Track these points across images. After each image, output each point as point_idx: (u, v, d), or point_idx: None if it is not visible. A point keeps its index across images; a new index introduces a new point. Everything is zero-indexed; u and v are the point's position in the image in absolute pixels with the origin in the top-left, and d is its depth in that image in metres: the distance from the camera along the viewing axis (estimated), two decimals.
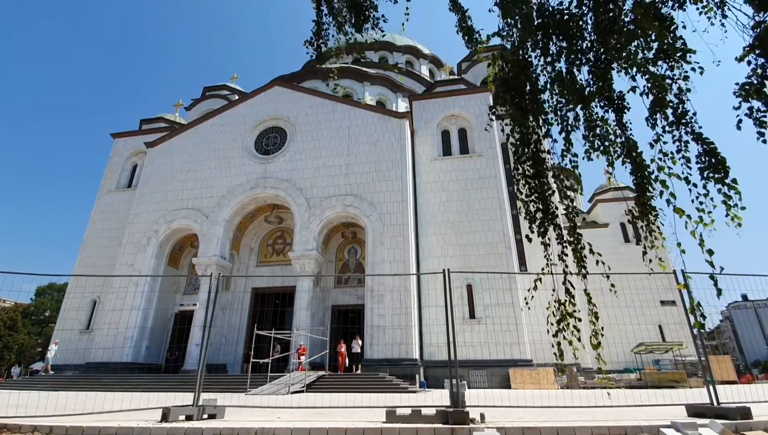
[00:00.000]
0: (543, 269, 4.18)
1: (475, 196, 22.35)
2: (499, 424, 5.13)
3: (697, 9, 3.47)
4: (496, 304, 19.57)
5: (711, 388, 6.10)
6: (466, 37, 4.73)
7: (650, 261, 3.80)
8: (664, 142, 3.48)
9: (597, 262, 4.09)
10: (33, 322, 54.15)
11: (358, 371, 18.21)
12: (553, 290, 4.19)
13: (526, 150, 4.23)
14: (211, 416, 6.16)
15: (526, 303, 4.56)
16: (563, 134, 4.00)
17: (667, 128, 3.47)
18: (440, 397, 10.66)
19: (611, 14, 3.60)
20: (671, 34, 3.37)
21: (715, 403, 5.99)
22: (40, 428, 5.24)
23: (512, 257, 20.89)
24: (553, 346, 4.05)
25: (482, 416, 5.37)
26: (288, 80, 32.85)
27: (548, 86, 4.03)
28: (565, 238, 4.18)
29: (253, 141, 25.11)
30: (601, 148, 3.89)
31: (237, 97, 31.01)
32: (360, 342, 18.92)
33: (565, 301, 4.08)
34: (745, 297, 63.91)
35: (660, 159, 3.46)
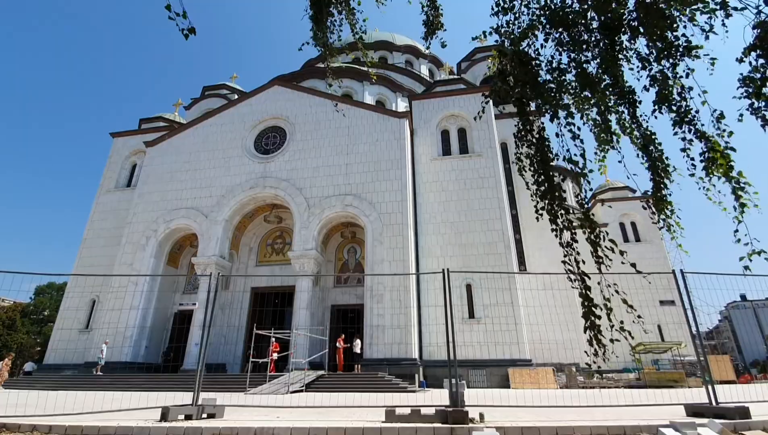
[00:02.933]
0: (564, 259, 4.02)
1: (474, 195, 22.36)
2: (499, 423, 5.14)
3: (697, 9, 3.47)
4: (496, 303, 19.58)
5: (710, 387, 6.11)
6: (427, 29, 4.69)
7: (679, 247, 3.71)
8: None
9: (612, 249, 3.89)
10: (32, 322, 54.05)
11: (358, 371, 18.21)
12: (584, 283, 4.04)
13: (530, 136, 4.18)
14: (211, 416, 6.16)
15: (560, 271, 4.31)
16: (566, 127, 3.94)
17: (673, 127, 3.46)
18: (439, 397, 10.67)
19: (614, 13, 3.59)
20: (674, 33, 3.37)
21: (714, 403, 6.00)
22: (39, 427, 5.24)
23: (511, 257, 20.90)
24: (589, 342, 3.79)
25: (481, 416, 5.37)
26: (288, 80, 32.80)
27: (556, 78, 3.98)
28: (575, 225, 4.07)
29: (253, 140, 25.10)
30: (609, 142, 3.81)
31: (236, 97, 30.97)
32: (359, 342, 18.92)
33: (584, 293, 3.91)
34: (743, 297, 63.94)
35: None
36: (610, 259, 3.95)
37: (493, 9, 4.16)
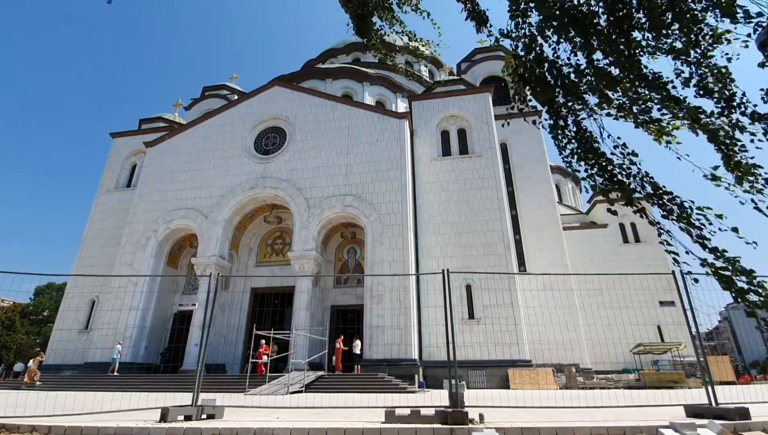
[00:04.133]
0: (661, 234, 3.51)
1: (474, 196, 22.36)
2: (498, 424, 5.14)
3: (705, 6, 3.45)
4: (495, 304, 19.58)
5: (709, 388, 6.11)
6: (476, 22, 4.60)
7: None
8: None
9: (705, 215, 3.19)
10: (31, 322, 54.00)
11: (358, 371, 18.19)
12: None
13: (566, 132, 4.05)
14: (210, 416, 6.16)
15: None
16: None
17: (722, 113, 3.32)
18: (439, 398, 10.66)
19: (624, 12, 3.56)
20: (697, 26, 3.33)
21: (714, 404, 6.00)
22: (38, 428, 5.24)
23: (511, 257, 20.89)
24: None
25: (481, 416, 5.37)
26: (288, 80, 32.82)
27: (573, 78, 3.89)
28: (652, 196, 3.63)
29: (253, 141, 25.10)
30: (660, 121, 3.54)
31: (236, 97, 30.99)
32: (359, 343, 18.91)
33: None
34: None
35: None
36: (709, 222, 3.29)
37: (510, 11, 4.13)
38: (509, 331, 19.07)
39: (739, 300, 2.90)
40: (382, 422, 5.31)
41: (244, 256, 24.87)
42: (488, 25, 4.55)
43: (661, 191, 3.53)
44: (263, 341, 17.21)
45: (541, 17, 3.93)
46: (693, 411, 6.11)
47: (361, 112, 24.31)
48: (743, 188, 3.26)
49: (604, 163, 3.82)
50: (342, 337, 19.20)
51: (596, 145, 3.88)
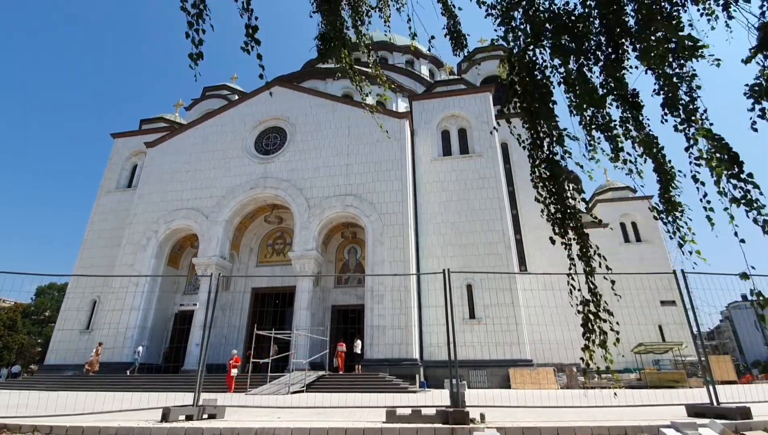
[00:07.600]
0: (570, 268, 4.06)
1: (474, 196, 22.35)
2: (499, 424, 5.14)
3: (698, 10, 3.47)
4: (496, 304, 19.58)
5: (711, 388, 6.11)
6: (454, 42, 4.74)
7: (690, 253, 3.69)
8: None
9: (600, 264, 3.93)
10: (33, 322, 54.09)
11: (359, 371, 18.21)
12: (576, 289, 4.02)
13: (540, 153, 4.13)
14: (211, 416, 6.16)
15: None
16: (585, 130, 3.93)
17: (678, 127, 3.44)
18: (440, 397, 10.66)
19: (617, 15, 3.58)
20: (679, 33, 3.36)
21: (715, 403, 5.99)
22: (40, 428, 5.25)
23: (512, 257, 20.89)
24: (583, 350, 3.75)
25: (482, 416, 5.37)
26: (288, 80, 32.81)
27: (560, 87, 3.96)
28: (573, 239, 4.02)
29: (253, 141, 25.12)
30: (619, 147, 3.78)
31: (237, 97, 30.99)
32: (360, 343, 18.92)
33: (590, 300, 3.86)
34: (744, 297, 63.84)
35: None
36: (592, 266, 3.99)
37: (493, 20, 4.17)
38: (510, 331, 19.07)
39: None
40: (384, 422, 5.31)
41: (244, 257, 24.88)
42: (465, 50, 4.69)
43: (583, 234, 3.94)
44: (234, 352, 17.37)
45: (530, 28, 3.95)
46: (694, 410, 6.10)
47: (361, 112, 24.30)
48: (665, 220, 3.75)
49: (560, 192, 3.97)
50: (343, 341, 19.22)
51: (557, 170, 4.00)
